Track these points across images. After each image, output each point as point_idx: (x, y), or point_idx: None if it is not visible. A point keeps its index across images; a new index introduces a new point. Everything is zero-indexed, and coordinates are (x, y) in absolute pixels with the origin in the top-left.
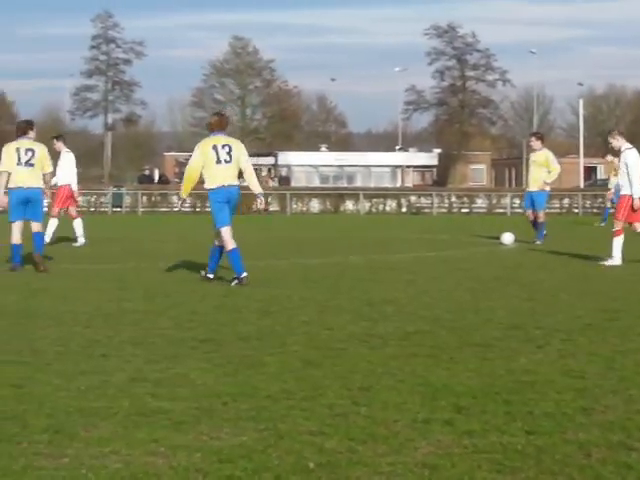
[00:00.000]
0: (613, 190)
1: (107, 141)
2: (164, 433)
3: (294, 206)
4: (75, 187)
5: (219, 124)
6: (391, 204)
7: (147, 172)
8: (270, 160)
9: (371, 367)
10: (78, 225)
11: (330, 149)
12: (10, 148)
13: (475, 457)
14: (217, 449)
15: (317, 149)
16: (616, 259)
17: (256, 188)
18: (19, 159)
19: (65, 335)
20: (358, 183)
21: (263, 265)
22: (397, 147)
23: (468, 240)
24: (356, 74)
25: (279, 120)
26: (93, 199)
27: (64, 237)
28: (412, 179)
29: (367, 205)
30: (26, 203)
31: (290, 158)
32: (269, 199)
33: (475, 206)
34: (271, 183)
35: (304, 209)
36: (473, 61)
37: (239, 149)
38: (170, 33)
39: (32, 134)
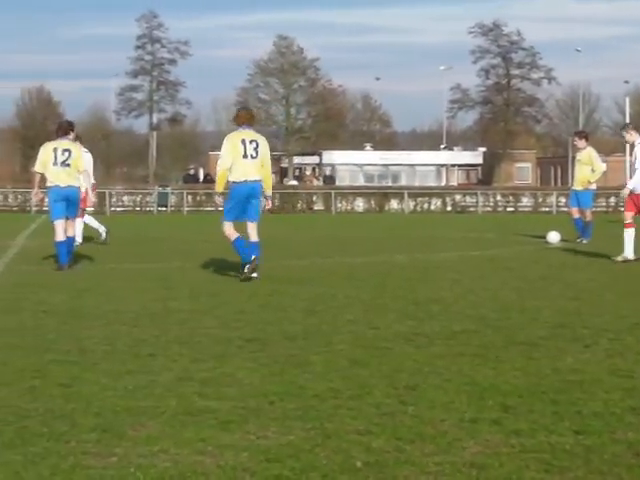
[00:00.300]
0: None
1: (152, 141)
2: (211, 432)
3: (339, 205)
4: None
5: (248, 118)
6: (436, 203)
7: (192, 171)
8: (315, 159)
9: (417, 366)
10: (79, 225)
11: (375, 148)
12: (48, 148)
13: (523, 457)
14: (264, 448)
15: (362, 148)
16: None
17: (269, 189)
18: (55, 159)
19: (112, 334)
20: (403, 182)
21: (308, 264)
22: (442, 146)
23: (514, 239)
24: (401, 73)
25: (324, 119)
26: (139, 199)
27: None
28: (457, 178)
29: (412, 204)
30: (65, 201)
31: (334, 157)
32: (314, 198)
33: (520, 205)
34: (315, 182)
35: (349, 208)
36: (518, 59)
37: (265, 146)
38: (215, 33)
39: (72, 135)
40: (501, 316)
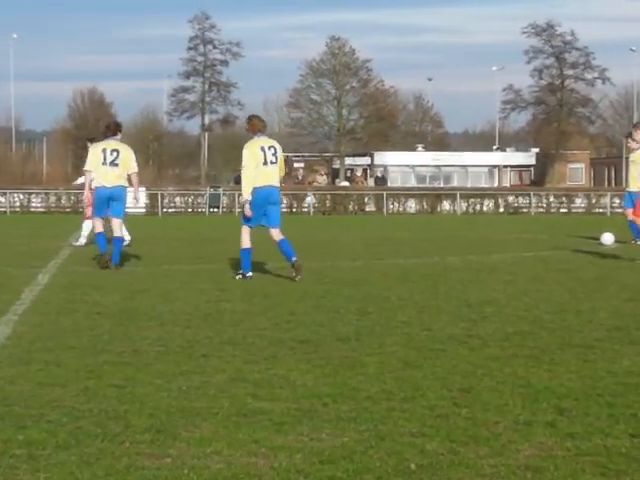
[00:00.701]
0: None
1: (204, 142)
2: (265, 434)
3: (390, 206)
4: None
5: (262, 126)
6: (488, 204)
7: None
8: (366, 160)
9: (471, 368)
10: (87, 226)
11: (426, 149)
12: (97, 149)
13: (579, 460)
14: (318, 450)
15: (413, 149)
16: None
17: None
18: (104, 159)
19: (165, 335)
20: (455, 183)
21: (361, 265)
22: (494, 147)
23: (567, 240)
24: (453, 73)
25: (375, 120)
26: (190, 200)
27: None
28: (509, 179)
29: (464, 205)
30: (109, 201)
31: (386, 158)
32: (366, 199)
33: (574, 206)
34: (365, 183)
35: (400, 209)
36: (572, 59)
37: (280, 151)
38: (266, 34)
39: (119, 136)
40: (555, 318)
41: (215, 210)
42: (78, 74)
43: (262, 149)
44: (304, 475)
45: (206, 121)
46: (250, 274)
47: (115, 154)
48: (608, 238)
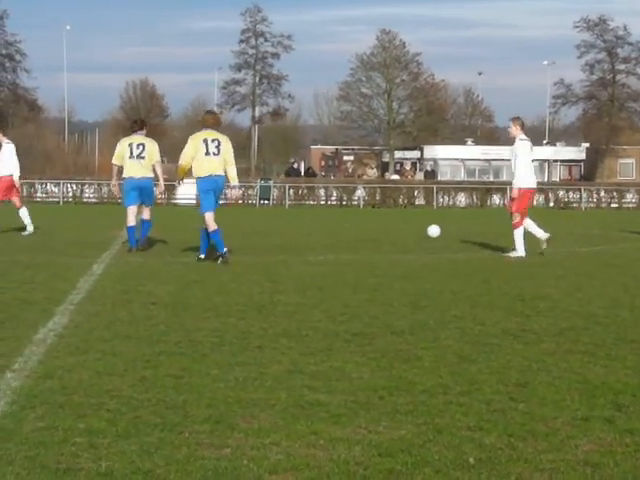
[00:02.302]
0: None
1: (254, 134)
2: (323, 426)
3: (440, 200)
4: (17, 177)
5: (212, 122)
6: (538, 198)
7: (295, 165)
8: (416, 154)
9: (526, 363)
10: (24, 214)
11: (476, 143)
12: (124, 143)
13: (638, 456)
14: (376, 443)
15: (463, 143)
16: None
17: (234, 180)
18: (131, 153)
19: (220, 326)
20: (504, 177)
21: (412, 259)
22: (544, 141)
23: (619, 235)
24: (503, 68)
25: (425, 114)
26: (241, 192)
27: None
28: (559, 173)
29: None
30: (139, 190)
31: (436, 152)
32: (415, 193)
33: (625, 201)
34: (413, 177)
35: (450, 203)
36: (624, 54)
37: (227, 144)
38: (317, 27)
39: (145, 130)
40: (610, 313)
41: (266, 202)
42: (130, 66)
43: (204, 141)
44: (363, 467)
45: (256, 113)
46: (225, 249)
47: (141, 147)
48: None
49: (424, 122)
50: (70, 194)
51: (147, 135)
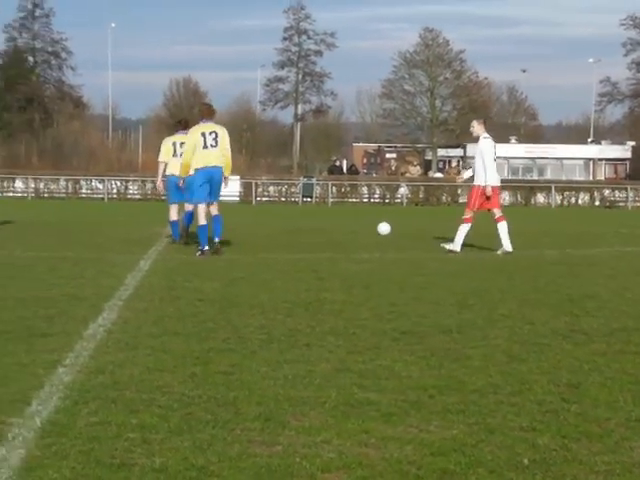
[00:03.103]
0: None
1: (296, 131)
2: (374, 424)
3: None
4: None
5: (208, 113)
6: (584, 197)
7: (338, 162)
8: (459, 152)
9: (577, 363)
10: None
11: (520, 141)
12: (168, 142)
13: None
14: (428, 442)
15: (506, 141)
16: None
17: (227, 171)
18: (175, 151)
19: (268, 324)
20: (548, 176)
21: (458, 257)
22: (589, 139)
23: None
24: (547, 65)
25: (468, 111)
26: (284, 189)
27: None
28: (604, 172)
29: (559, 198)
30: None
31: None
32: (459, 191)
33: None
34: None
35: None
36: None
37: (224, 134)
38: (360, 24)
39: (188, 130)
40: None
41: (308, 200)
42: (173, 64)
43: (203, 134)
44: (416, 467)
45: (299, 111)
46: (206, 247)
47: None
48: None
49: (467, 120)
50: (114, 190)
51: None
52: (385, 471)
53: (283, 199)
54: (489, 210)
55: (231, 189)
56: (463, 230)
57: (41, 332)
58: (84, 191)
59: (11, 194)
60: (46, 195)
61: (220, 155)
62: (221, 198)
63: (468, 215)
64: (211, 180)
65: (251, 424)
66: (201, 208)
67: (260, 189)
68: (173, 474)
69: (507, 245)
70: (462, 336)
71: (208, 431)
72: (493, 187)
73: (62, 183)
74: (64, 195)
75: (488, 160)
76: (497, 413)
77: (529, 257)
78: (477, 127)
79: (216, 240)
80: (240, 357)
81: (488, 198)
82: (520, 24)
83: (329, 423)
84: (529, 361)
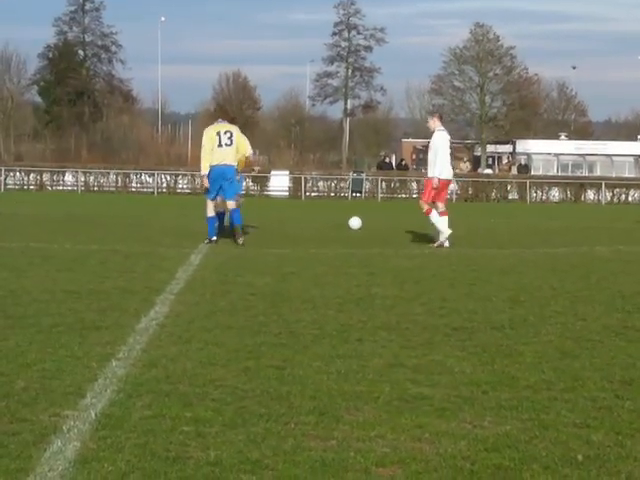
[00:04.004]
0: None
1: (346, 127)
2: (427, 419)
3: (533, 194)
4: None
5: (223, 114)
6: (634, 194)
7: (387, 158)
8: (508, 148)
9: (630, 361)
10: None
11: (569, 137)
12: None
13: None
14: (482, 437)
15: (556, 137)
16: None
17: (240, 167)
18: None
19: (319, 318)
20: (598, 172)
21: (509, 253)
22: (639, 136)
23: None
24: (598, 61)
25: (518, 108)
26: (333, 184)
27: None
28: None
29: (609, 195)
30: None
31: (529, 146)
32: (508, 187)
33: None
34: (510, 171)
35: (544, 197)
36: None
37: (239, 135)
38: (410, 20)
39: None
40: None
41: (358, 195)
42: (223, 58)
43: (218, 134)
44: (470, 462)
45: (348, 106)
46: (214, 238)
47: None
48: None
49: (517, 116)
50: (164, 185)
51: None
52: (439, 466)
53: (332, 194)
54: (434, 202)
55: (280, 184)
56: (436, 219)
57: (94, 325)
58: (134, 185)
59: (61, 187)
60: (96, 189)
61: (234, 153)
62: (270, 193)
63: (426, 207)
64: (224, 177)
65: (305, 418)
66: (210, 203)
67: (309, 184)
68: (228, 467)
69: (445, 232)
70: (514, 332)
71: (262, 425)
72: (442, 180)
73: (112, 177)
74: (114, 189)
75: (442, 153)
76: (551, 409)
77: (580, 254)
78: (432, 122)
79: (240, 241)
80: (292, 352)
81: (432, 190)
82: (571, 20)
83: (383, 418)
84: (582, 357)
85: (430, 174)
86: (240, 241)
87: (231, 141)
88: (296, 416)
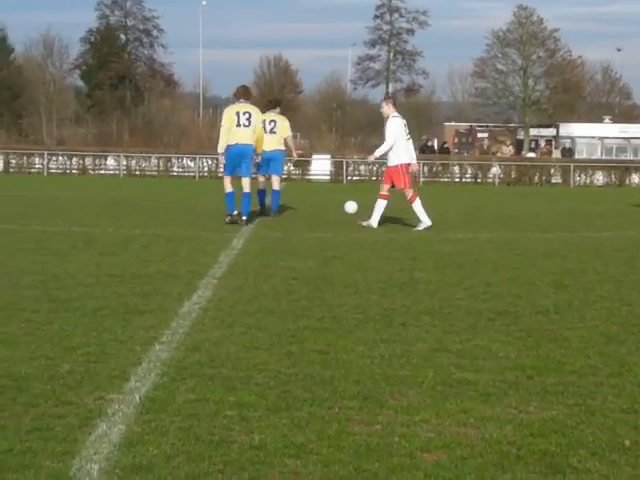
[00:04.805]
0: None
1: None
2: (472, 404)
3: (577, 178)
4: None
5: (244, 94)
6: None
7: (430, 142)
8: (551, 131)
9: None
10: None
11: (614, 121)
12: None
13: None
14: (527, 423)
15: (600, 121)
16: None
17: (259, 148)
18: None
19: (362, 303)
20: None
21: (553, 237)
22: None
23: None
24: None
25: (562, 91)
26: (375, 168)
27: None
28: None
29: None
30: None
31: (572, 129)
32: (552, 171)
33: None
34: (550, 154)
35: (587, 181)
36: None
37: (257, 115)
38: (453, 2)
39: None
40: None
41: None
42: (264, 41)
43: (237, 114)
44: (516, 447)
45: (390, 90)
46: (235, 212)
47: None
48: None
49: (560, 99)
50: (206, 169)
51: (280, 112)
52: (485, 451)
53: (374, 178)
54: (392, 187)
55: (322, 168)
56: (418, 207)
57: (138, 309)
58: (175, 169)
59: (103, 172)
60: (138, 173)
61: (252, 134)
62: (312, 177)
63: (410, 193)
64: (241, 156)
65: (349, 403)
66: (227, 179)
67: (351, 168)
68: (272, 451)
69: (374, 221)
70: (559, 317)
71: (306, 409)
72: (403, 165)
73: (154, 161)
74: (155, 173)
75: (399, 139)
76: (597, 394)
77: (626, 238)
78: (386, 108)
79: (244, 218)
80: (335, 336)
81: (398, 178)
82: (615, 2)
83: (427, 403)
84: (628, 343)
85: (394, 162)
86: (242, 222)
87: (249, 122)
88: (340, 400)
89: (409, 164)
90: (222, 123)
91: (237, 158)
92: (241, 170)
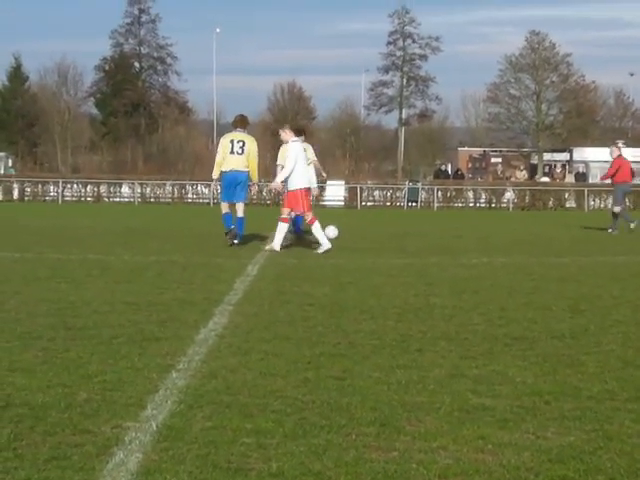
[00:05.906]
0: None
1: (401, 136)
2: (489, 430)
3: (591, 202)
4: None
5: (241, 123)
6: None
7: (443, 167)
8: (565, 156)
9: None
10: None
11: (627, 145)
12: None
13: None
14: (545, 448)
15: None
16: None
17: (254, 177)
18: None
19: (378, 329)
20: None
21: (568, 261)
22: None
23: None
24: None
25: (575, 115)
26: (389, 194)
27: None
28: None
29: None
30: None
31: (586, 154)
32: (566, 195)
33: None
34: (563, 178)
35: (602, 206)
36: None
37: (251, 145)
38: (465, 28)
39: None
40: None
41: (414, 204)
42: (277, 68)
43: (231, 142)
44: (534, 473)
45: (403, 115)
46: (233, 226)
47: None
48: None
49: (574, 124)
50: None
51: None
52: (503, 477)
53: (388, 203)
54: (292, 210)
55: (336, 194)
56: (317, 230)
57: (154, 336)
58: (190, 196)
59: (118, 199)
60: (152, 200)
61: (245, 160)
62: (326, 203)
63: (309, 217)
64: (236, 182)
65: (366, 429)
66: (223, 205)
67: (365, 194)
68: (290, 479)
69: (276, 244)
70: (575, 342)
71: (323, 436)
72: (303, 190)
73: (168, 188)
74: (170, 200)
75: (300, 163)
76: (614, 420)
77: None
78: (283, 134)
79: (235, 242)
80: (352, 362)
81: (297, 202)
82: (628, 27)
83: (444, 429)
84: None
85: (294, 186)
86: (233, 242)
87: (242, 150)
88: (357, 427)
89: (308, 188)
90: (217, 150)
91: (232, 184)
92: (235, 195)
